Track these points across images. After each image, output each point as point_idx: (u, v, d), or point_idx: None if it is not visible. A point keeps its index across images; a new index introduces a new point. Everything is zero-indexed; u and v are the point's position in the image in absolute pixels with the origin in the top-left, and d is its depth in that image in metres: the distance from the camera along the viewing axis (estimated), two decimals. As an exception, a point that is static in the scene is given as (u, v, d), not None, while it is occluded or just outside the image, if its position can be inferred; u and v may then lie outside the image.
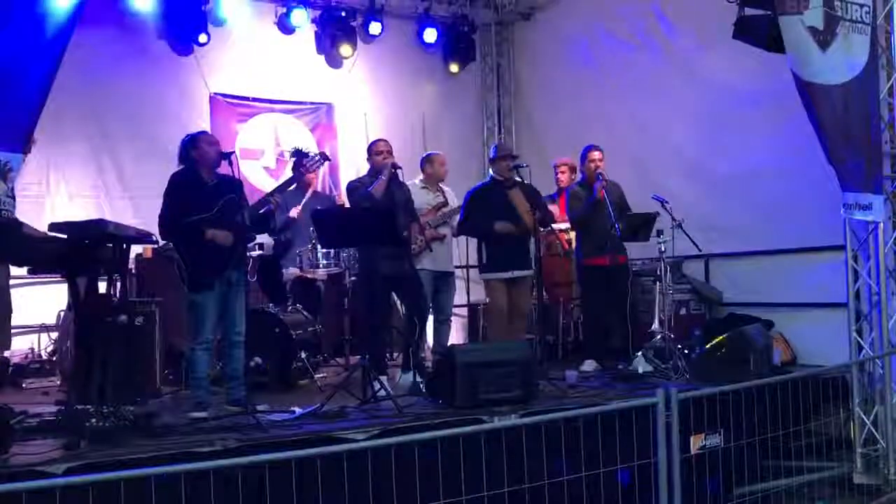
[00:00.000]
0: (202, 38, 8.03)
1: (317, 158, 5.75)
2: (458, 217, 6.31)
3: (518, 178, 6.14)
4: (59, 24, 3.60)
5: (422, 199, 6.18)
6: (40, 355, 6.92)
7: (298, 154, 7.25)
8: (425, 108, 9.28)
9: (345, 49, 8.88)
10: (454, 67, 9.61)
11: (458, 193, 6.46)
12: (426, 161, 6.42)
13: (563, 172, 7.30)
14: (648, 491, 3.83)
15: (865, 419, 5.40)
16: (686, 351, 6.08)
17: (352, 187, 5.90)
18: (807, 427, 4.87)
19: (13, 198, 4.74)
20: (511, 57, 10.04)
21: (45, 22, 3.58)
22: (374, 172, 5.84)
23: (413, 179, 6.31)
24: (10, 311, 4.61)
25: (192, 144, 4.99)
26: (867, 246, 5.51)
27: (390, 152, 5.87)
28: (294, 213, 6.80)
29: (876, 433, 5.38)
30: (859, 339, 5.51)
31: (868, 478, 5.26)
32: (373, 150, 5.93)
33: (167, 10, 7.89)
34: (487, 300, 6.52)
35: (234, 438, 4.04)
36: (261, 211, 5.09)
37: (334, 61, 8.98)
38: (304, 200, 6.91)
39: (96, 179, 7.77)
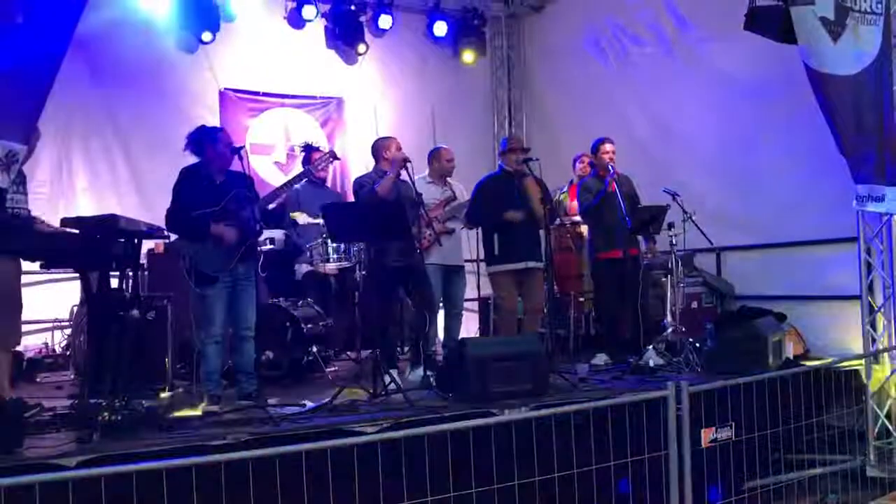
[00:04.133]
0: (206, 36, 8.03)
1: (326, 156, 5.74)
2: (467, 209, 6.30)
3: (528, 172, 6.11)
4: (65, 17, 3.61)
5: (429, 193, 6.17)
6: (54, 350, 6.98)
7: (308, 149, 7.27)
8: (436, 101, 9.23)
9: (355, 43, 8.87)
10: (467, 58, 9.57)
11: (467, 187, 6.45)
12: (432, 156, 6.41)
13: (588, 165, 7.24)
14: (660, 484, 3.82)
15: (879, 412, 5.38)
16: (697, 344, 6.06)
17: (360, 184, 5.90)
18: (819, 420, 4.84)
19: (25, 194, 4.77)
20: (522, 50, 10.02)
21: (50, 14, 3.58)
22: (388, 167, 5.80)
23: (421, 174, 6.30)
24: (20, 306, 4.64)
25: (213, 141, 4.98)
26: (881, 238, 5.48)
27: (399, 149, 5.86)
28: (301, 219, 6.78)
29: (889, 426, 5.36)
30: (872, 332, 5.49)
31: (881, 471, 5.24)
32: (383, 146, 5.89)
33: (178, 6, 7.90)
34: (495, 295, 6.44)
35: (246, 432, 4.06)
36: (272, 206, 5.09)
37: (344, 55, 8.99)
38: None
39: (108, 175, 7.82)
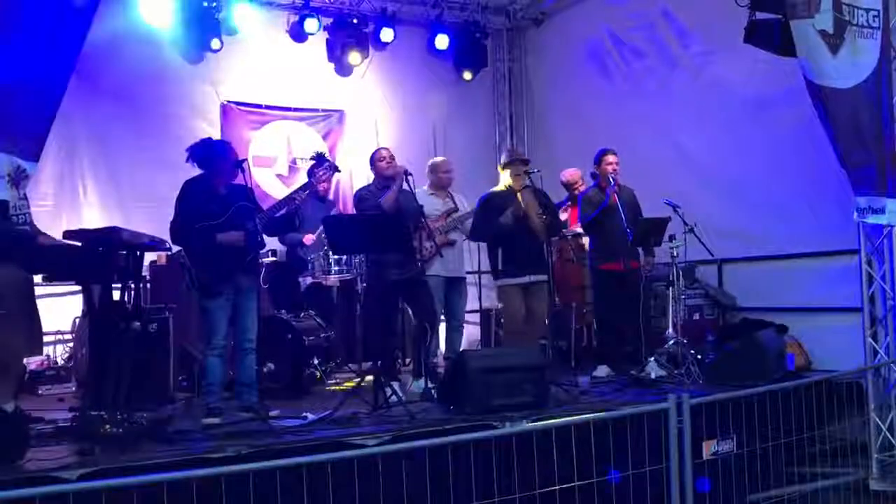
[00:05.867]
0: (215, 43, 8.09)
1: (326, 168, 5.78)
2: (470, 222, 6.31)
3: (529, 183, 6.12)
4: (73, 33, 3.65)
5: (431, 205, 6.19)
6: (56, 362, 6.97)
7: (319, 158, 7.29)
8: (437, 114, 9.31)
9: (356, 56, 8.91)
10: (466, 74, 9.63)
11: (470, 199, 6.47)
12: (431, 168, 6.46)
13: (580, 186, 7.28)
14: (661, 496, 3.81)
15: (881, 424, 5.36)
16: (699, 356, 6.05)
17: (360, 196, 5.92)
18: (822, 432, 4.82)
19: (26, 199, 4.77)
20: (523, 63, 10.04)
21: (59, 30, 3.62)
22: (382, 180, 5.85)
23: (422, 186, 6.32)
24: (37, 316, 4.63)
25: (222, 155, 5.01)
26: (882, 249, 5.48)
27: (393, 158, 5.91)
28: (307, 239, 6.79)
29: (892, 438, 5.34)
30: (874, 344, 5.48)
31: (884, 484, 5.21)
32: (375, 158, 5.97)
33: (180, 20, 7.95)
34: (501, 305, 6.47)
35: (247, 444, 4.06)
36: (280, 213, 5.11)
37: (346, 69, 9.02)
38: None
39: (110, 187, 7.84)
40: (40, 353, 5.12)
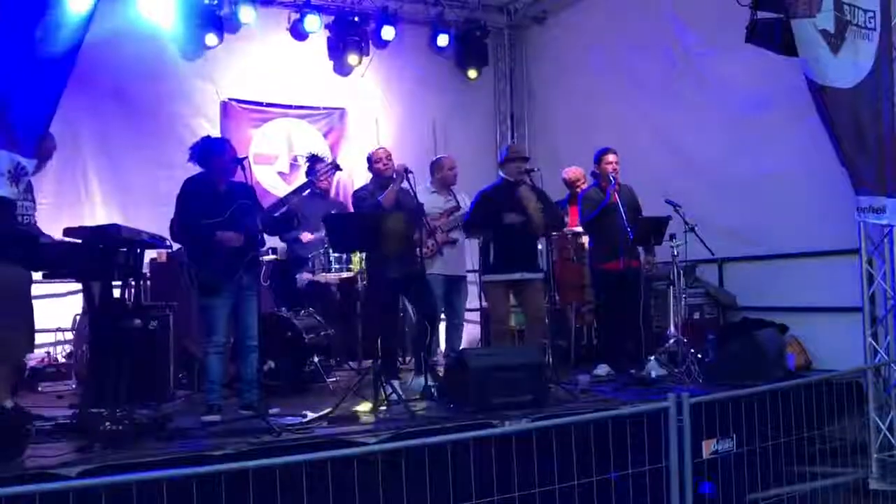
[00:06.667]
0: (215, 40, 8.10)
1: (328, 167, 5.77)
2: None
3: (527, 180, 6.09)
4: (73, 30, 3.65)
5: (432, 203, 6.18)
6: (56, 359, 6.98)
7: (313, 159, 7.30)
8: (438, 112, 9.31)
9: (357, 54, 8.91)
10: (472, 73, 9.64)
11: (471, 198, 6.45)
12: (435, 166, 6.44)
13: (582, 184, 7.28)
14: (661, 496, 3.81)
15: (881, 424, 5.36)
16: (699, 355, 6.05)
17: (359, 197, 5.92)
18: (821, 432, 4.82)
19: (33, 201, 4.79)
20: (524, 61, 10.05)
21: (58, 27, 3.62)
22: (380, 180, 5.85)
23: (423, 184, 6.31)
24: (29, 312, 4.63)
25: (219, 153, 5.01)
26: (882, 249, 5.49)
27: (389, 158, 5.90)
28: (304, 238, 6.79)
29: (892, 438, 5.34)
30: (875, 344, 5.48)
31: (884, 484, 5.22)
32: (372, 159, 5.97)
33: (181, 17, 7.95)
34: (487, 306, 6.42)
35: (246, 442, 4.06)
36: (277, 213, 5.11)
37: (347, 67, 9.02)
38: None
39: (109, 185, 7.84)
40: (32, 351, 5.12)
